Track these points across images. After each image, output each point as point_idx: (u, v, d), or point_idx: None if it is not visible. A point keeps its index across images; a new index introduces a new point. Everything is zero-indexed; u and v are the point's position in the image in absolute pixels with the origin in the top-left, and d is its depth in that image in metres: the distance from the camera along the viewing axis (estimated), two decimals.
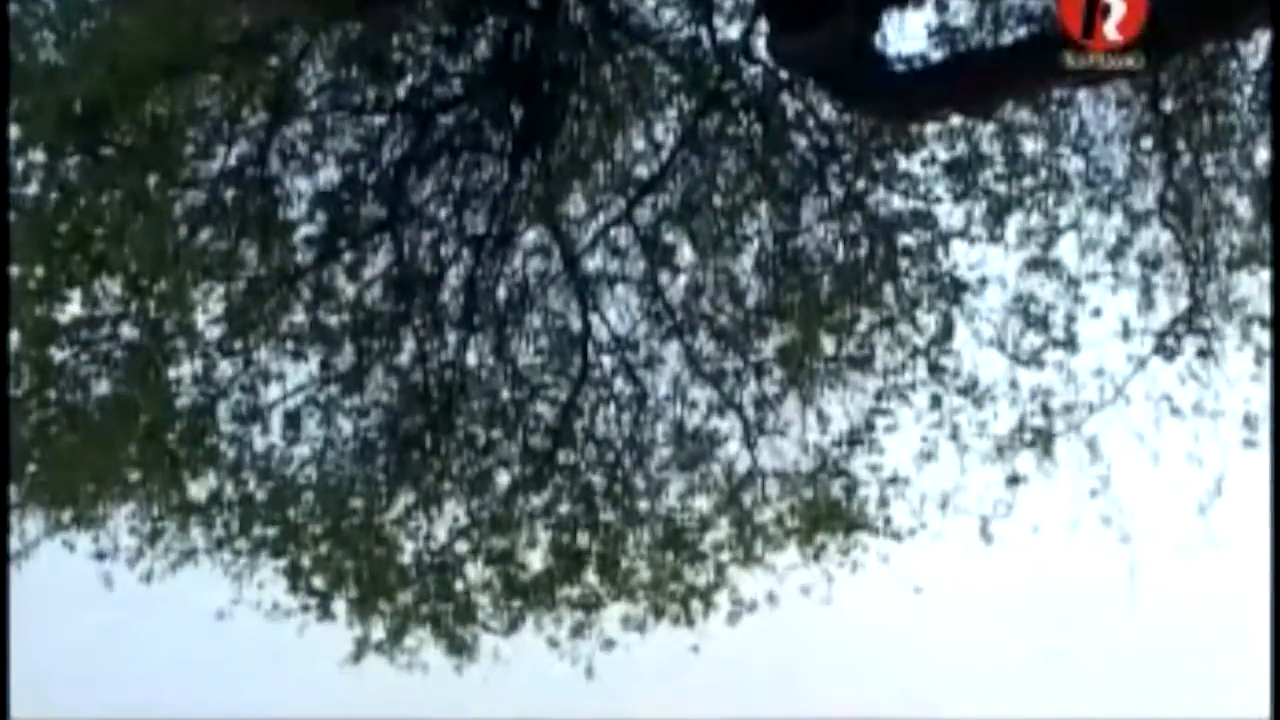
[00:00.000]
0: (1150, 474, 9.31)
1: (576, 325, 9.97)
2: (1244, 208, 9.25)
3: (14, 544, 9.05)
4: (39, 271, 8.73)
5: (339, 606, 9.79)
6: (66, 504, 9.29)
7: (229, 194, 9.16)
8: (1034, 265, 9.56)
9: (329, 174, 9.60)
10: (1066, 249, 9.58)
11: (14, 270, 8.55)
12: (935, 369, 9.74)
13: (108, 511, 9.48)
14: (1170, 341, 9.27)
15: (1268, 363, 9.01)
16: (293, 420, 9.64)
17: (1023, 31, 9.07)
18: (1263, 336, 9.06)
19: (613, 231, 9.96)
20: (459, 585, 10.02)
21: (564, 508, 10.05)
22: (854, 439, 9.89)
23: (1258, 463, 8.80)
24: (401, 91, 9.75)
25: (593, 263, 10.00)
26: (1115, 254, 9.52)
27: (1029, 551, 9.67)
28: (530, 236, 9.99)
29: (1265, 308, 9.05)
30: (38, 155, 8.61)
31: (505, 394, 10.02)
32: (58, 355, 9.02)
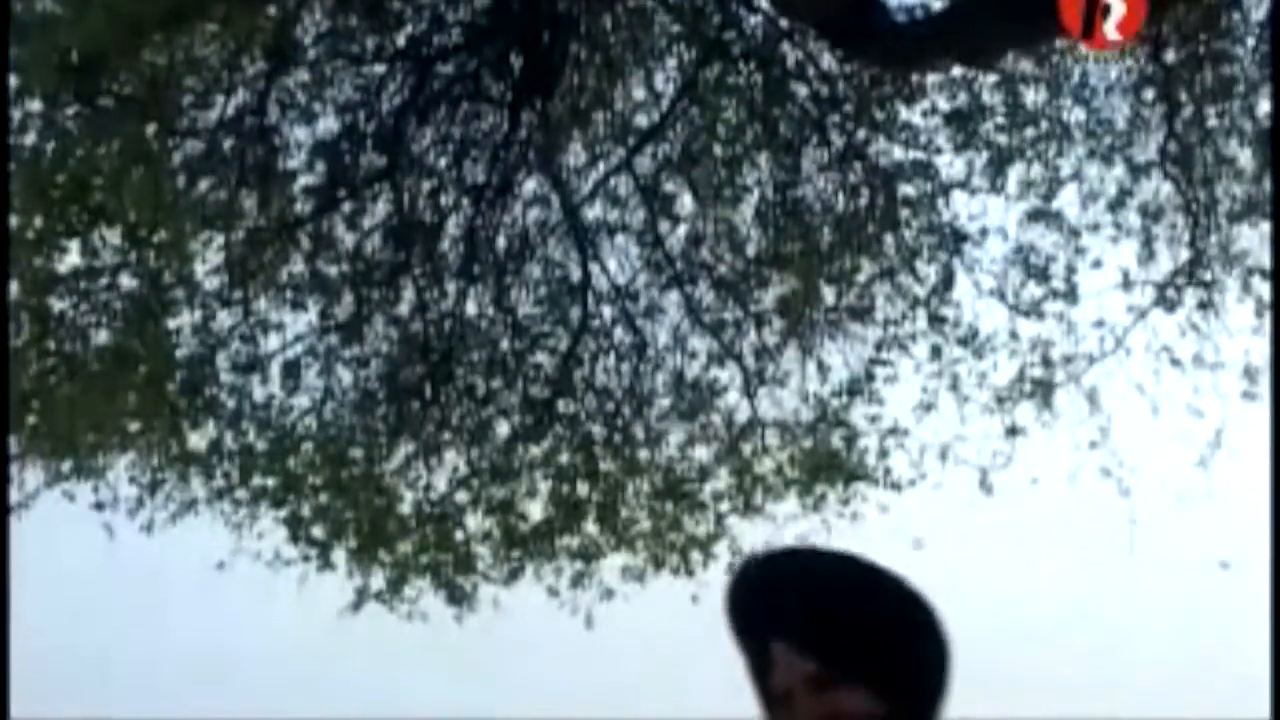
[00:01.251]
0: (1150, 425, 9.31)
1: (576, 275, 9.96)
2: (1246, 159, 9.22)
3: (14, 495, 9.05)
4: (37, 221, 8.69)
5: (339, 556, 9.81)
6: (66, 454, 9.29)
7: (228, 144, 9.11)
8: (1035, 216, 9.55)
9: (328, 123, 9.57)
10: (1067, 200, 9.58)
11: (12, 220, 8.52)
12: (935, 319, 9.73)
13: (108, 462, 9.48)
14: (1171, 293, 9.26)
15: (1268, 315, 8.99)
16: (292, 370, 9.62)
17: None
18: (1264, 288, 9.04)
19: (613, 181, 9.94)
20: (459, 535, 10.03)
21: (564, 457, 10.05)
22: (854, 389, 9.88)
23: (1258, 414, 8.79)
24: (401, 40, 9.71)
25: (593, 212, 10.00)
26: (1116, 205, 9.49)
27: (1028, 502, 9.67)
28: (530, 186, 9.97)
29: (1266, 260, 9.03)
30: (35, 105, 8.56)
31: (505, 344, 10.00)
32: (57, 305, 9.00)
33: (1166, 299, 9.26)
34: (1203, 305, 9.17)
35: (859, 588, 2.41)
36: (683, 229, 9.95)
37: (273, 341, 9.58)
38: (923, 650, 2.37)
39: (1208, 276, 9.22)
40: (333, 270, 9.63)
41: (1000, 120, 9.49)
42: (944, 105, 9.52)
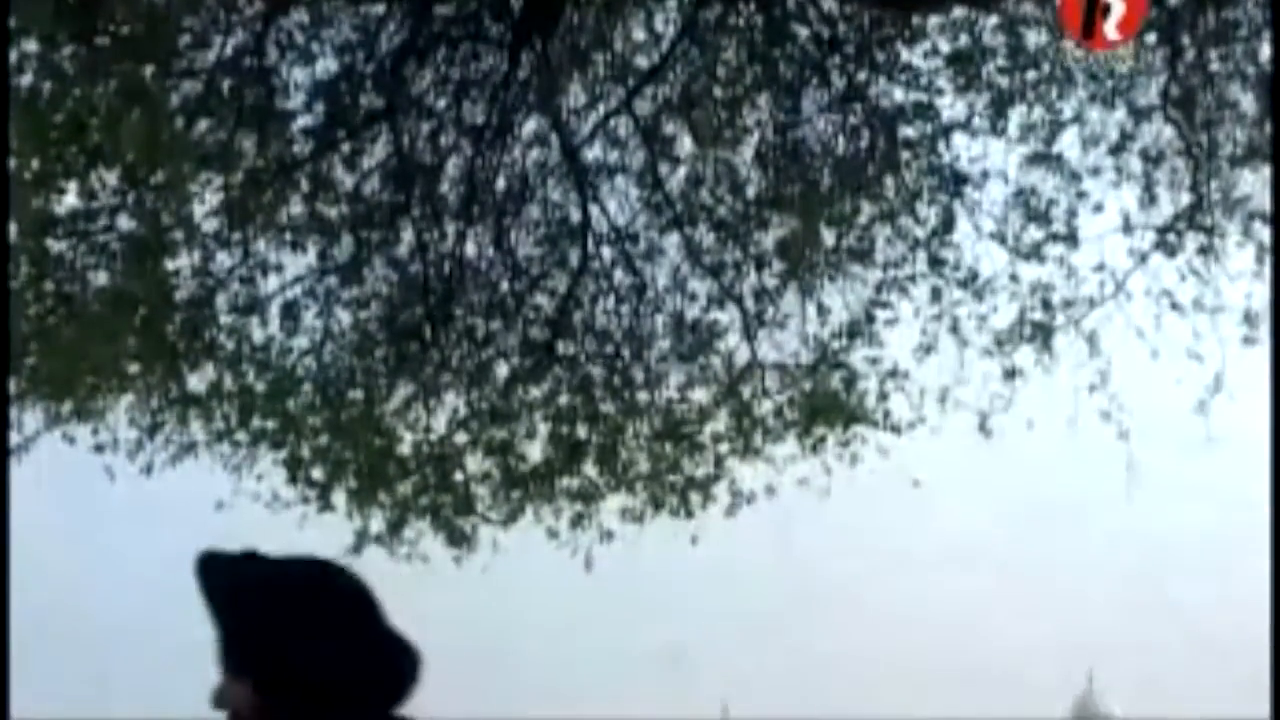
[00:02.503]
0: (1149, 370, 9.31)
1: (576, 216, 9.93)
2: (1248, 104, 9.18)
3: (13, 438, 9.04)
4: (34, 163, 8.66)
5: (339, 498, 9.81)
6: (66, 397, 9.29)
7: (226, 84, 9.08)
8: (1036, 159, 9.51)
9: (327, 64, 9.52)
10: (1068, 143, 9.54)
11: (9, 161, 8.48)
12: (935, 262, 9.71)
13: (107, 404, 9.48)
14: (1171, 237, 9.23)
15: (1269, 260, 8.97)
16: (291, 312, 9.62)
17: None
18: (1265, 234, 9.02)
19: (612, 122, 9.90)
20: (458, 476, 10.03)
21: (563, 399, 10.05)
22: (853, 331, 9.87)
23: (1257, 359, 8.79)
24: None
25: (592, 153, 9.97)
26: (1117, 149, 9.46)
27: (1027, 446, 9.68)
28: (530, 127, 9.93)
29: (1267, 205, 9.00)
30: (31, 45, 8.51)
31: (504, 285, 9.99)
32: (55, 247, 8.97)
33: (1167, 243, 9.23)
34: (1203, 250, 9.14)
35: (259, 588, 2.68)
36: (682, 170, 9.93)
37: (272, 283, 9.57)
38: (308, 651, 2.60)
39: (1208, 221, 9.19)
40: (332, 211, 9.61)
41: (1002, 62, 9.45)
42: (945, 47, 9.48)
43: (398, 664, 2.68)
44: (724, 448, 10.09)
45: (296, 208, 9.52)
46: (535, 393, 10.02)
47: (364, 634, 2.66)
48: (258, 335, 9.59)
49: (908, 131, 9.62)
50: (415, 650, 2.68)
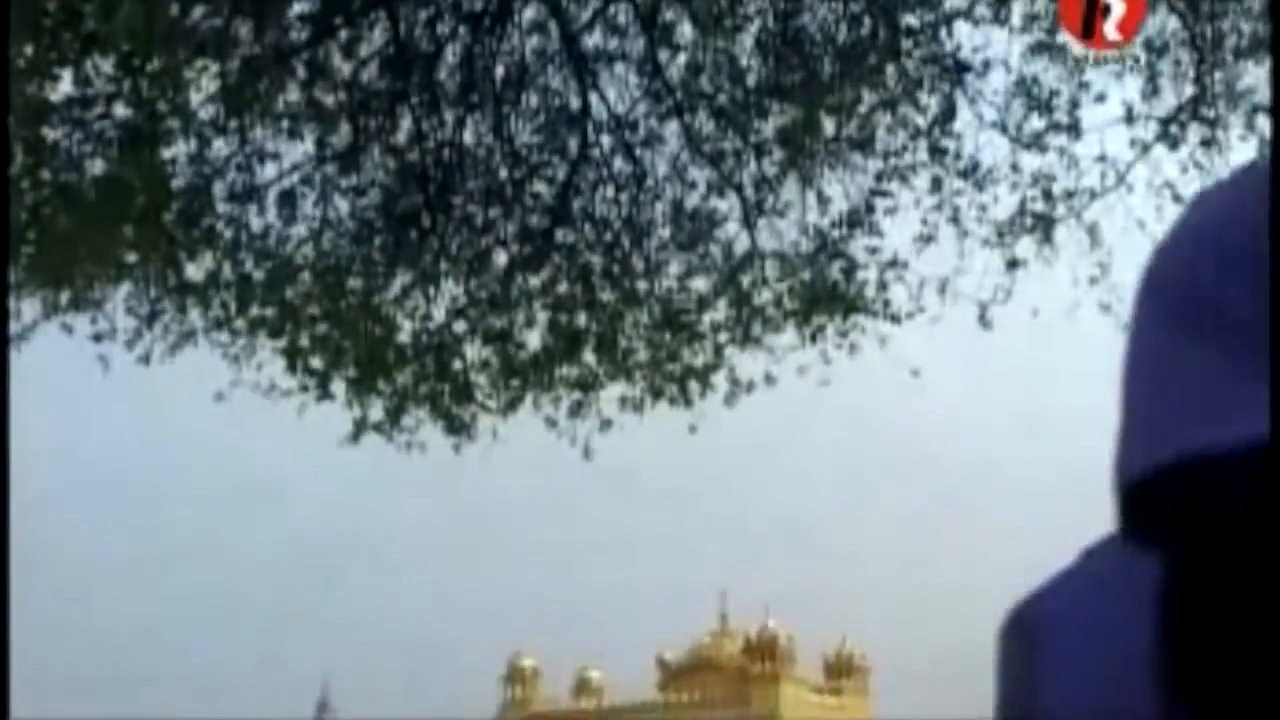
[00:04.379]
0: None
1: (575, 104, 9.87)
2: None
3: (11, 327, 9.03)
4: (29, 50, 8.59)
5: (338, 386, 9.82)
6: (63, 286, 9.28)
7: None
8: (1038, 49, 9.42)
9: None
10: None
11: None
12: (936, 151, 9.64)
13: (105, 293, 9.48)
14: (1174, 129, 9.16)
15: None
16: (289, 200, 9.57)
17: None
18: (1267, 127, 8.95)
19: (612, 8, 9.80)
20: (457, 365, 10.03)
21: (562, 287, 10.04)
22: (853, 221, 9.81)
23: None
24: None
25: (592, 40, 9.87)
26: None
27: (1027, 337, 9.67)
28: (529, 14, 9.84)
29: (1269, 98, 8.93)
30: None
31: (503, 173, 9.95)
32: (50, 135, 8.92)
33: (1170, 135, 9.16)
34: (1206, 142, 9.08)
35: None
36: (682, 58, 9.84)
37: (269, 171, 9.52)
38: None
39: (1212, 113, 9.12)
40: (329, 99, 9.54)
41: None
42: None
43: None
44: (723, 336, 10.09)
45: (294, 95, 9.45)
46: (534, 281, 10.01)
47: None
48: (255, 223, 9.56)
49: (909, 19, 9.52)
50: None
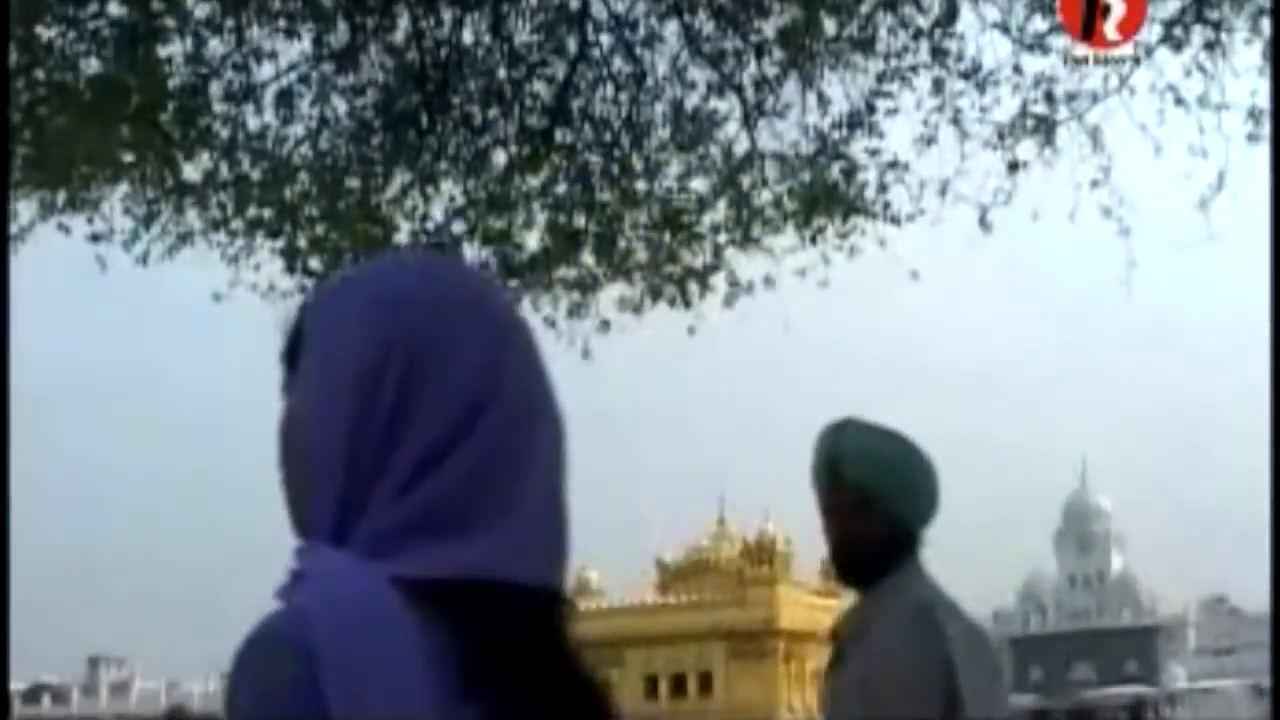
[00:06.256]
0: (1152, 166, 9.24)
1: (574, 2, 9.78)
2: None
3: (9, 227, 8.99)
4: None
5: None
6: (60, 186, 9.22)
7: None
8: None
9: None
10: None
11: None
12: (938, 52, 9.55)
13: (102, 194, 9.43)
14: (1178, 32, 9.06)
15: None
16: (287, 99, 9.51)
17: None
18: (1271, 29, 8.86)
19: None
20: None
21: (561, 188, 10.01)
22: (854, 122, 9.75)
23: (1261, 157, 8.71)
24: None
25: None
26: None
27: (1027, 240, 9.64)
28: None
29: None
30: None
31: (502, 72, 9.87)
32: (45, 34, 8.83)
33: (1173, 37, 9.05)
34: (1209, 45, 8.98)
35: None
36: None
37: (266, 70, 9.44)
38: None
39: (1215, 16, 9.02)
40: None
41: None
42: None
43: None
44: (722, 238, 10.07)
45: None
46: (533, 181, 9.97)
47: None
48: (253, 123, 9.51)
49: None
50: None
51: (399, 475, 1.50)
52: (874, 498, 3.71)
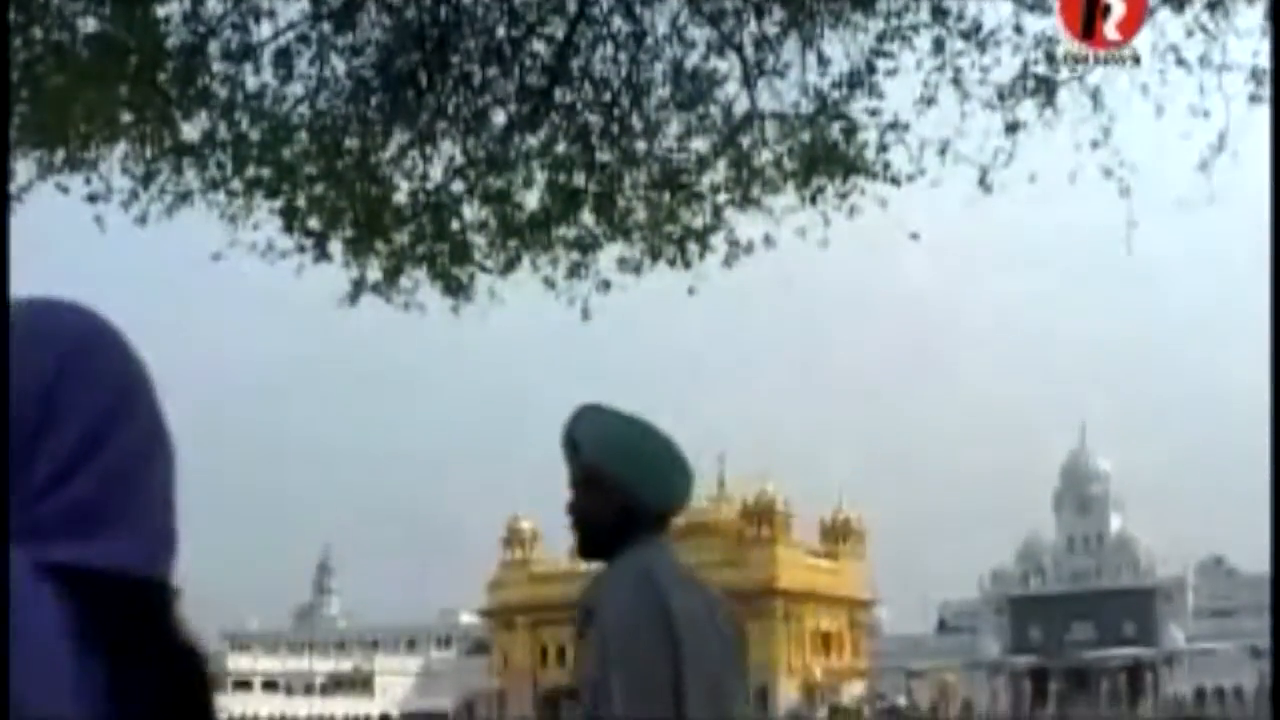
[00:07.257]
0: (1153, 127, 9.22)
1: None
2: None
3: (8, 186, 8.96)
4: None
5: (335, 247, 9.80)
6: (58, 146, 9.20)
7: None
8: None
9: None
10: None
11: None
12: (938, 11, 9.51)
13: (101, 153, 9.40)
14: None
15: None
16: (285, 58, 9.47)
17: None
18: None
19: None
20: (455, 225, 9.99)
21: (560, 147, 9.97)
22: (854, 81, 9.70)
23: (1262, 118, 8.68)
24: None
25: None
26: None
27: (1027, 201, 9.61)
28: None
29: None
30: None
31: (501, 31, 9.84)
32: None
33: None
34: (1212, 5, 8.94)
35: None
36: None
37: (265, 29, 9.41)
38: None
39: None
40: None
41: None
42: None
43: None
44: (722, 197, 10.04)
45: None
46: (532, 141, 9.94)
47: None
48: (251, 83, 9.47)
49: None
50: None
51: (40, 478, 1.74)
52: (605, 476, 4.00)
